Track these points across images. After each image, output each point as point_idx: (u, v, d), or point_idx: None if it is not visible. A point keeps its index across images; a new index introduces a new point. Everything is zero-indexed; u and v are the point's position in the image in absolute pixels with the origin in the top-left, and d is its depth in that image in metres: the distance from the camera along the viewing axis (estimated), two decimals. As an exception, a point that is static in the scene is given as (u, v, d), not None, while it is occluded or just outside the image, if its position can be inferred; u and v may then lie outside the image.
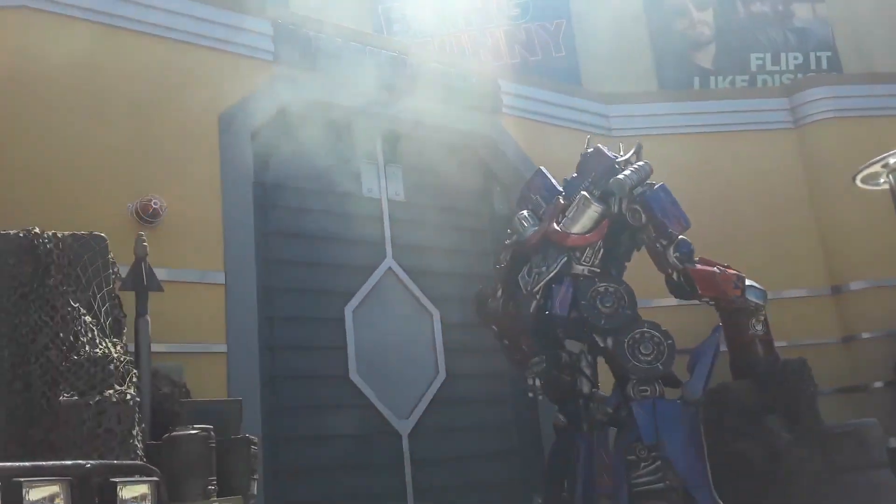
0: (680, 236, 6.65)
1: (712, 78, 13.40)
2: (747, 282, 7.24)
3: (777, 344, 9.22)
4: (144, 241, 6.00)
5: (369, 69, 8.65)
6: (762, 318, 8.18)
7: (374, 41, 9.33)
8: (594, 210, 6.70)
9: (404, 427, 8.31)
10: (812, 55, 13.63)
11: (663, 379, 6.39)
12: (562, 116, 10.35)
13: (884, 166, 8.20)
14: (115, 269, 5.60)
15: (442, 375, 8.73)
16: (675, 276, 6.69)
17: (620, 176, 6.65)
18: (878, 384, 9.80)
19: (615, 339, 6.39)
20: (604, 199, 6.77)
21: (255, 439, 5.64)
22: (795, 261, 10.53)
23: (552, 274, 6.73)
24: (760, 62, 13.58)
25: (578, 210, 6.74)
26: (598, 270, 6.81)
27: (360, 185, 8.91)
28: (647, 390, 6.26)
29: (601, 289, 6.55)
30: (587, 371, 6.84)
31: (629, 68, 12.61)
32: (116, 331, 5.47)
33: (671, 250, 6.57)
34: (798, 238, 10.65)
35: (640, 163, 6.83)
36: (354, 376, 8.13)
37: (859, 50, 13.39)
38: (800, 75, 13.02)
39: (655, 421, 6.08)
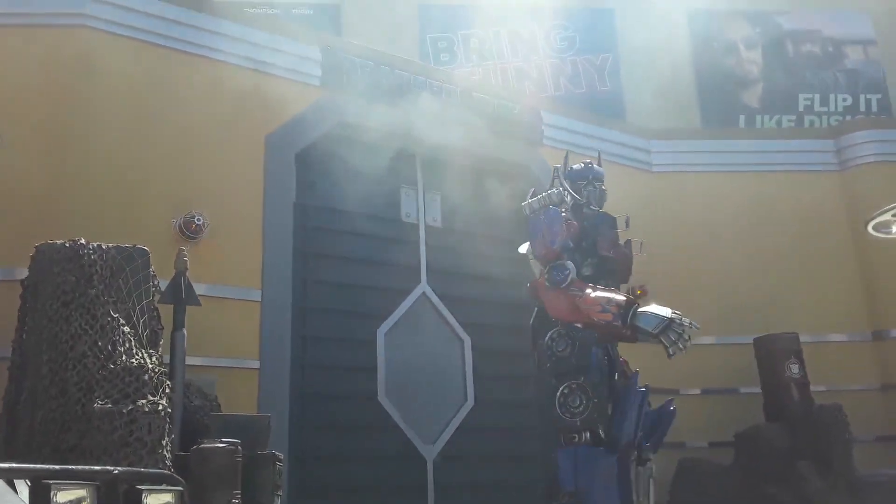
0: (559, 262, 6.26)
1: (758, 117, 13.33)
2: (645, 308, 6.13)
3: (815, 388, 9.10)
4: (185, 255, 6.17)
5: (413, 97, 8.81)
6: (794, 358, 7.98)
7: (419, 69, 9.50)
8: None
9: (430, 452, 8.32)
10: (862, 97, 13.47)
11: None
12: (602, 150, 10.28)
13: (894, 215, 8.04)
14: (156, 282, 5.74)
15: (470, 403, 8.73)
16: None
17: (525, 202, 6.54)
18: (918, 434, 9.58)
19: (554, 386, 6.18)
20: None
21: (281, 456, 5.74)
22: (837, 305, 10.37)
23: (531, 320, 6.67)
24: (808, 103, 13.45)
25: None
26: None
27: (399, 210, 9.04)
28: (575, 437, 6.08)
29: (563, 331, 6.27)
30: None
31: (674, 104, 12.59)
32: (153, 342, 5.60)
33: (546, 274, 6.28)
34: (840, 282, 10.51)
35: (547, 192, 6.52)
36: (383, 398, 8.18)
37: (912, 92, 13.23)
38: (848, 117, 12.87)
39: (576, 468, 5.94)
